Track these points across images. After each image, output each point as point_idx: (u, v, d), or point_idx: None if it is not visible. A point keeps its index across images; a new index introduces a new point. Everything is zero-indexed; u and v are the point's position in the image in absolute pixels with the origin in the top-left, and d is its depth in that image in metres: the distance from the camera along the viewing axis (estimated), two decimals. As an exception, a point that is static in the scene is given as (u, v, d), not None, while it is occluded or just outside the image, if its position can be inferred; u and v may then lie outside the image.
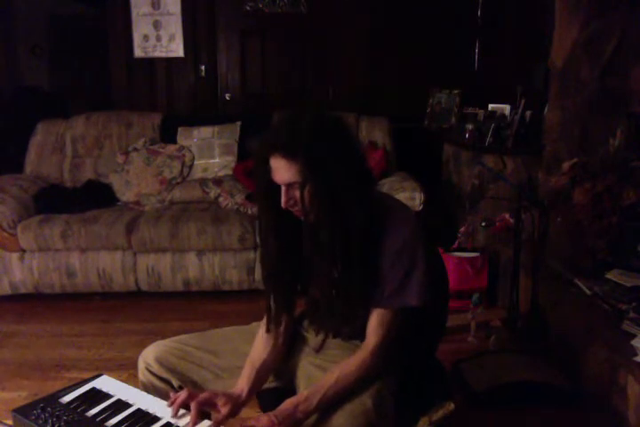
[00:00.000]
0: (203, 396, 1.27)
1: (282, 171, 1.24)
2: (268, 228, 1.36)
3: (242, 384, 1.37)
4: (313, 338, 1.50)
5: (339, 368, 1.32)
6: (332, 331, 1.42)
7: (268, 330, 1.44)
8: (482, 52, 4.49)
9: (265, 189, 1.31)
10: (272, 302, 1.43)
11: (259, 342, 1.45)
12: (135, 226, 3.20)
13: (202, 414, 1.25)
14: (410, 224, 1.36)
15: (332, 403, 1.29)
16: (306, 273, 1.40)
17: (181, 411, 1.24)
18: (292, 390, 1.43)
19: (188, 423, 1.20)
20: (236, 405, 1.32)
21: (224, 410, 1.28)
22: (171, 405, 1.25)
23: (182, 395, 1.26)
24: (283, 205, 1.27)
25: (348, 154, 1.28)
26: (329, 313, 1.37)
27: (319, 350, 1.45)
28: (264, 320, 1.46)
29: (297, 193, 1.26)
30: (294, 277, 1.41)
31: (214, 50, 4.66)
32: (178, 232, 3.16)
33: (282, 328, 1.45)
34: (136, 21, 4.55)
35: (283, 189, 1.26)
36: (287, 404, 1.27)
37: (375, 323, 1.34)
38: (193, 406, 1.23)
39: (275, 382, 1.50)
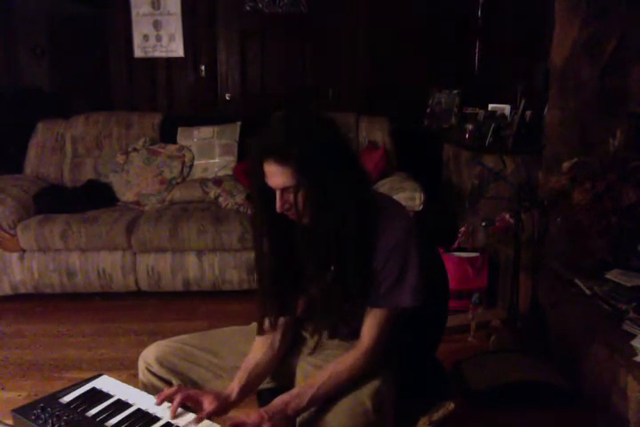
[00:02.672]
0: (189, 392, 1.28)
1: (275, 175, 1.24)
2: (261, 231, 1.36)
3: (233, 385, 1.37)
4: (311, 339, 1.50)
5: (331, 366, 1.33)
6: (329, 331, 1.42)
7: (259, 333, 1.44)
8: (482, 52, 4.49)
9: (259, 194, 1.31)
10: (266, 306, 1.42)
11: (256, 344, 1.45)
12: (135, 226, 3.20)
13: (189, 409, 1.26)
14: (403, 223, 1.36)
15: (323, 401, 1.29)
16: (302, 275, 1.39)
17: (179, 410, 1.24)
18: (291, 390, 1.43)
19: (190, 423, 1.20)
20: (224, 404, 1.32)
21: (209, 408, 1.27)
22: (159, 397, 1.26)
23: (171, 389, 1.27)
24: (278, 209, 1.27)
25: (341, 155, 1.27)
26: (327, 313, 1.37)
27: (313, 351, 1.45)
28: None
29: (292, 197, 1.25)
30: (290, 279, 1.41)
31: (214, 50, 4.66)
32: (178, 232, 3.16)
33: (280, 330, 1.45)
34: (136, 21, 4.55)
35: (277, 193, 1.26)
36: (278, 400, 1.28)
37: (369, 322, 1.34)
38: (176, 397, 1.23)
39: (274, 383, 1.50)
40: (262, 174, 1.26)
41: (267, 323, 1.43)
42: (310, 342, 1.49)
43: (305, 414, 1.31)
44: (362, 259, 1.30)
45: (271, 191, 1.27)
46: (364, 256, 1.30)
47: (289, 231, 1.34)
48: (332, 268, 1.29)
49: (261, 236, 1.37)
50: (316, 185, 1.23)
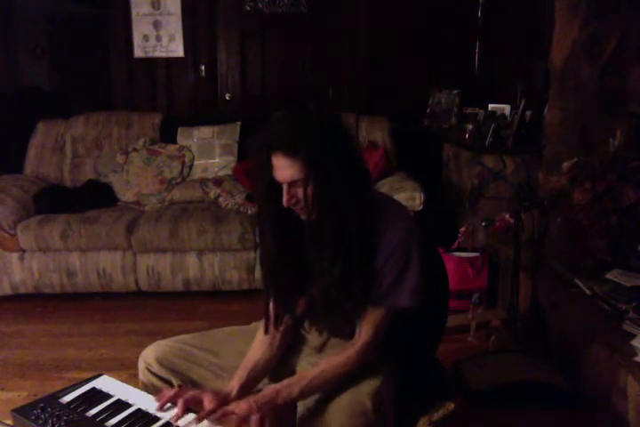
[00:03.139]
0: (189, 393, 1.28)
1: (284, 169, 1.24)
2: (267, 227, 1.36)
3: (233, 383, 1.37)
4: (313, 338, 1.50)
5: (325, 361, 1.34)
6: (332, 330, 1.42)
7: (266, 331, 1.44)
8: (482, 52, 4.49)
9: (265, 188, 1.31)
10: (271, 304, 1.43)
11: (256, 343, 1.46)
12: (135, 226, 3.20)
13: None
14: (405, 223, 1.36)
15: (314, 393, 1.31)
16: (305, 273, 1.39)
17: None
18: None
19: (190, 423, 1.20)
20: (224, 403, 1.31)
21: (209, 407, 1.27)
22: (159, 400, 1.26)
23: (171, 391, 1.27)
24: (285, 203, 1.27)
25: (348, 152, 1.29)
26: (329, 312, 1.37)
27: (321, 350, 1.45)
28: (263, 322, 1.46)
29: (299, 191, 1.26)
30: (294, 277, 1.41)
31: (214, 50, 4.66)
32: (178, 232, 3.16)
33: (281, 329, 1.45)
34: (136, 21, 4.55)
35: (285, 187, 1.26)
36: (269, 390, 1.29)
37: (366, 320, 1.35)
38: (179, 402, 1.23)
39: (273, 382, 1.50)
40: (270, 168, 1.26)
41: (272, 321, 1.43)
42: (311, 342, 1.50)
43: (304, 414, 1.32)
44: (365, 258, 1.30)
45: (278, 186, 1.27)
46: (367, 255, 1.30)
47: (295, 228, 1.34)
48: (338, 265, 1.29)
49: (267, 232, 1.37)
50: (323, 179, 1.23)
